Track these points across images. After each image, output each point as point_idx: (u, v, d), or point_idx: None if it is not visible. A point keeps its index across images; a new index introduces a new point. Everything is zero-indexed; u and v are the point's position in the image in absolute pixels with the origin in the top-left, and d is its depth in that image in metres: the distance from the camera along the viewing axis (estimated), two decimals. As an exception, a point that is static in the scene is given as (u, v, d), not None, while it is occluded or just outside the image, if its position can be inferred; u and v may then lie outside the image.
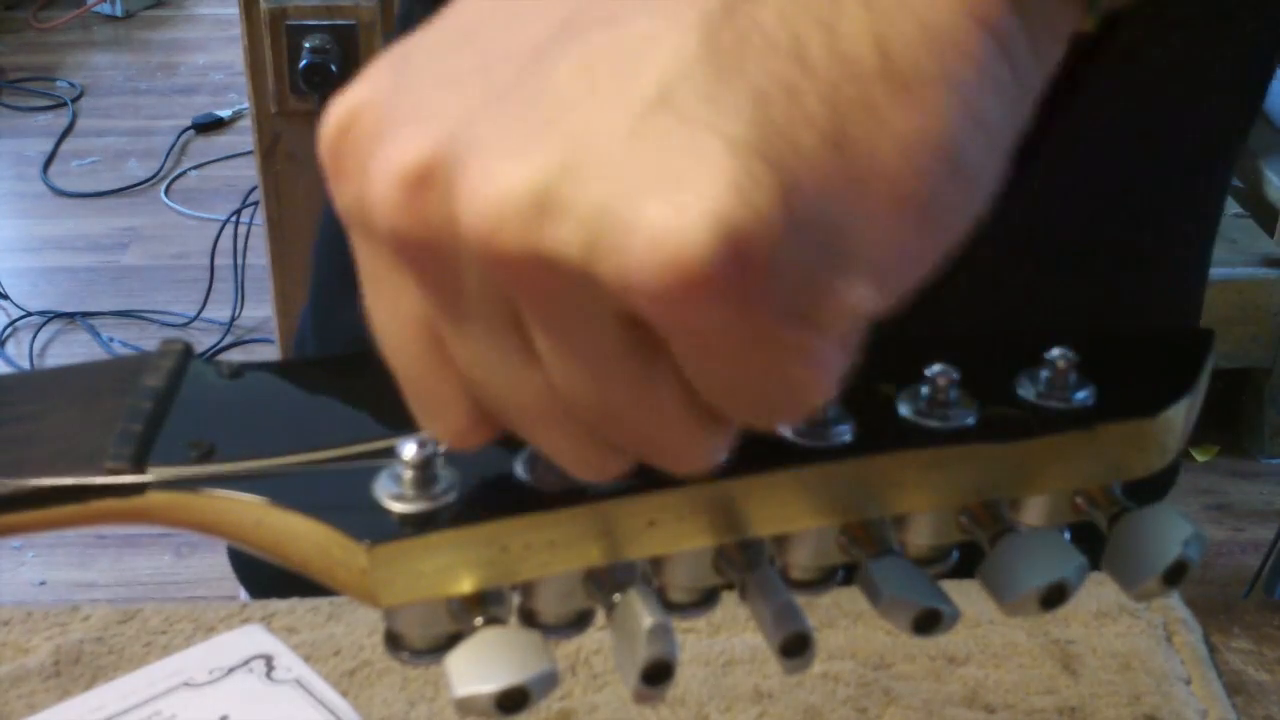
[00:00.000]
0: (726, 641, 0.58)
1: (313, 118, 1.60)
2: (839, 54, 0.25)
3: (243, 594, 0.76)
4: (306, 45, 1.56)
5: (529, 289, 0.25)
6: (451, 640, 0.29)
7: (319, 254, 0.78)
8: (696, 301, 0.24)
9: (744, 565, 0.30)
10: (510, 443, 0.30)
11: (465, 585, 0.29)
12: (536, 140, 0.24)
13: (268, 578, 0.69)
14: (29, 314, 2.34)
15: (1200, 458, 1.92)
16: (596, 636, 0.56)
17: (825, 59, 0.25)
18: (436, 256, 0.25)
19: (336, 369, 0.33)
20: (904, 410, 0.31)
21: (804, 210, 0.24)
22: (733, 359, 0.25)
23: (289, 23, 1.56)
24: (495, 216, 0.24)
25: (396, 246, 0.26)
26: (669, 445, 0.27)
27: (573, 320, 0.25)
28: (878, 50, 0.25)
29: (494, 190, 0.24)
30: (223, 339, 2.30)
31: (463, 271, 0.25)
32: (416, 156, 0.25)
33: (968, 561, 0.32)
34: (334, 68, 1.56)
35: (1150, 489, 0.32)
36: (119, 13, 3.44)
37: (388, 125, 0.26)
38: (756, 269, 0.24)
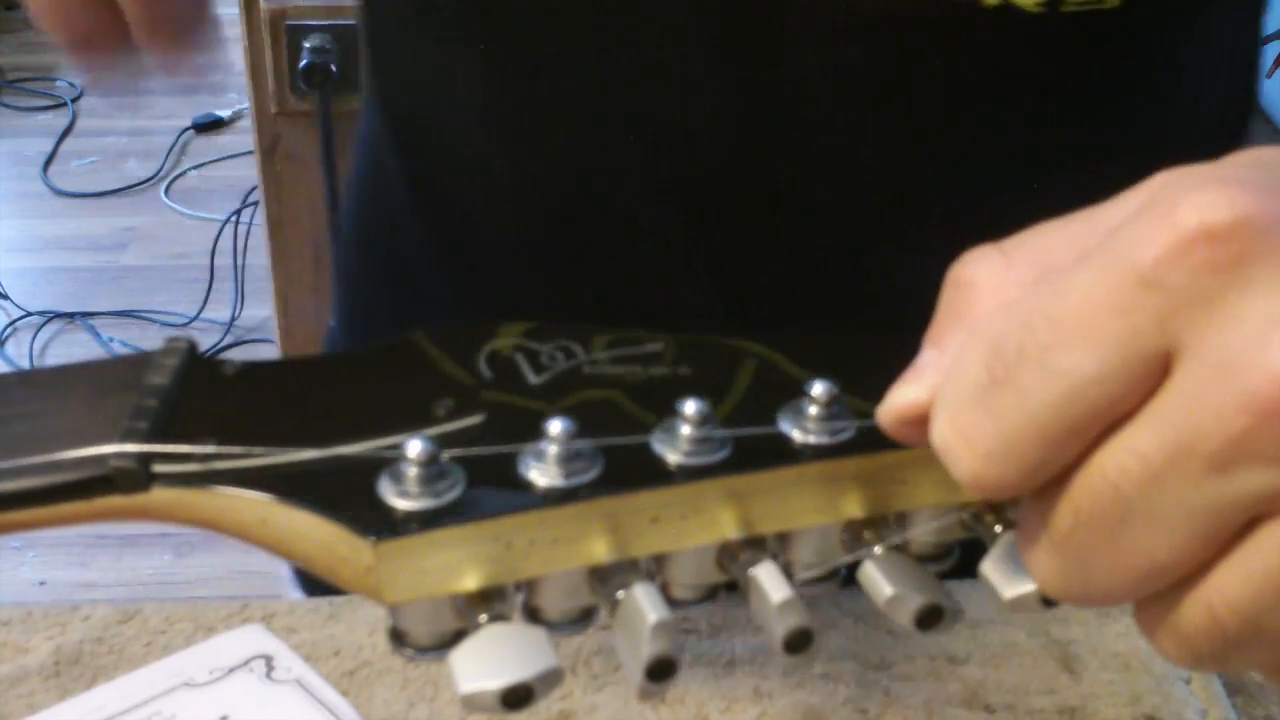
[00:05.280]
0: (727, 642, 0.58)
1: (312, 118, 1.61)
2: None
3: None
4: (306, 45, 1.56)
5: None
6: (455, 637, 0.29)
7: (345, 271, 0.78)
8: None
9: (746, 562, 0.30)
10: (514, 440, 0.30)
11: (469, 582, 0.29)
12: None
13: None
14: (29, 314, 2.34)
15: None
16: (597, 637, 0.56)
17: None
18: None
19: (341, 366, 0.33)
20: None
21: None
22: None
23: (289, 23, 1.56)
24: None
25: None
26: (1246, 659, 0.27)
27: None
28: None
29: None
30: (223, 339, 2.30)
31: None
32: None
33: (969, 560, 0.32)
34: (334, 68, 1.56)
35: None
36: (119, 13, 3.43)
37: None
38: None
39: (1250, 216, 0.25)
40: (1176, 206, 0.25)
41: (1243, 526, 0.26)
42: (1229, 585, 0.26)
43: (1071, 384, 0.26)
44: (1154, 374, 0.26)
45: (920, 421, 0.29)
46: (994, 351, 0.27)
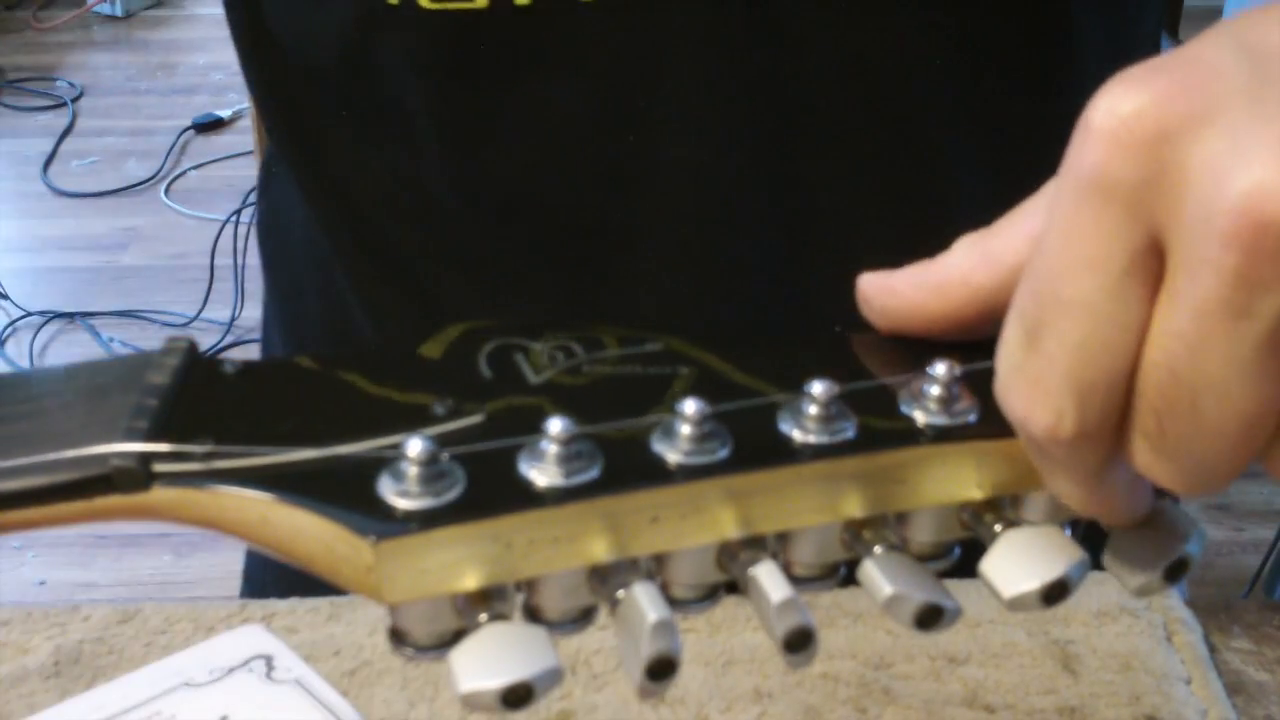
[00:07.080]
0: (726, 641, 0.58)
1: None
2: None
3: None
4: (307, 46, 1.56)
5: None
6: (455, 637, 0.29)
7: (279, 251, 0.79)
8: None
9: (746, 561, 0.30)
10: (513, 439, 0.30)
11: (469, 582, 0.29)
12: None
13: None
14: (29, 314, 2.34)
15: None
16: (596, 636, 0.56)
17: None
18: None
19: (342, 365, 0.33)
20: (905, 407, 0.31)
21: None
22: None
23: (289, 23, 1.56)
24: None
25: None
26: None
27: None
28: None
29: None
30: (223, 339, 2.30)
31: None
32: None
33: (969, 560, 0.32)
34: (334, 68, 1.56)
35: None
36: (119, 13, 3.44)
37: None
38: None
39: (1153, 95, 0.27)
40: (1090, 118, 0.28)
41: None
42: None
43: (1089, 306, 0.27)
44: (1154, 263, 0.27)
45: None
46: (1020, 312, 0.29)
